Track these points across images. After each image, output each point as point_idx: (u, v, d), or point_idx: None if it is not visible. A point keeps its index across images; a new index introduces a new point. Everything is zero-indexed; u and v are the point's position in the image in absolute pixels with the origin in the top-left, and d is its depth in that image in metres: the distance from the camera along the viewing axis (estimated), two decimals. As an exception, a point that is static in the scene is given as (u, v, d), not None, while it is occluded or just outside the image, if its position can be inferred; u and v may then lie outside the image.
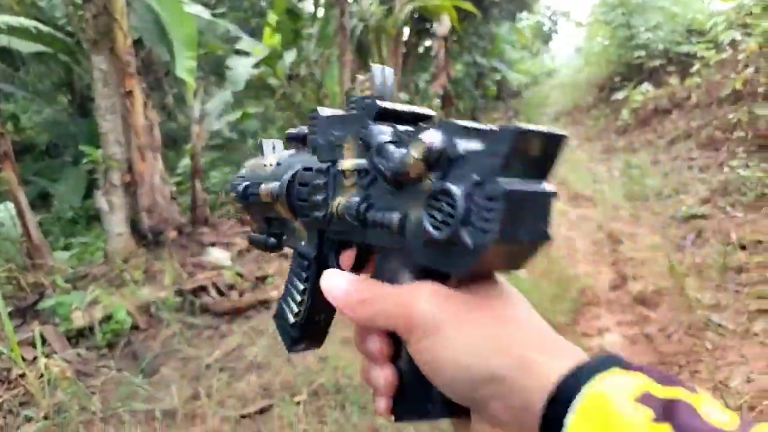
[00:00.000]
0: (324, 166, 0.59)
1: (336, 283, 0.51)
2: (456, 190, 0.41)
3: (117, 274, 4.06)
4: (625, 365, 0.34)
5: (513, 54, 12.28)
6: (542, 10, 14.79)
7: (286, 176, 0.63)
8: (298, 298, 0.65)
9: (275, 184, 0.64)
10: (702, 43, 7.25)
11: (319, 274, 0.58)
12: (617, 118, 8.25)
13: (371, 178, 0.52)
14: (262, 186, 0.67)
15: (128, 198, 4.49)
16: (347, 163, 0.55)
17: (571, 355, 0.38)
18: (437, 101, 11.51)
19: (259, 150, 0.76)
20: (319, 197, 0.58)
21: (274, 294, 3.70)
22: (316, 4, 10.55)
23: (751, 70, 6.09)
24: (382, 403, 0.50)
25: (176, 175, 7.76)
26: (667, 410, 0.29)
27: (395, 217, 0.47)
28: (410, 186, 0.46)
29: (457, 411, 0.44)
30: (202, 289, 3.82)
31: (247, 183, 0.71)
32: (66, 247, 6.64)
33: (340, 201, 0.55)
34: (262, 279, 4.07)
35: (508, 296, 0.44)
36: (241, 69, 6.40)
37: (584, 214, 4.86)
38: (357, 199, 0.52)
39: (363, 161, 0.53)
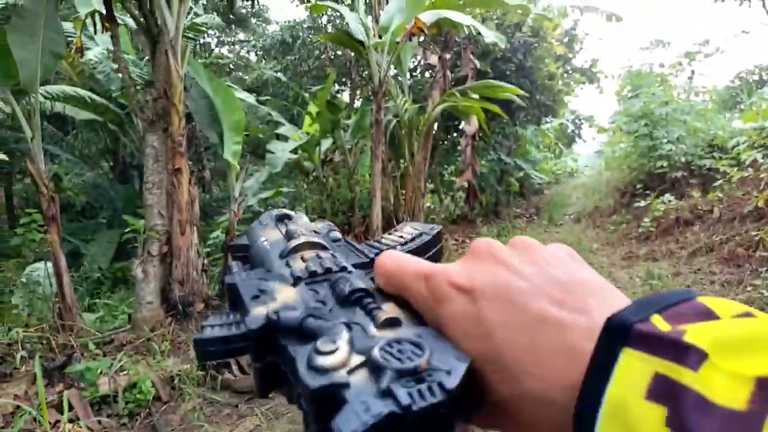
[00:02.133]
0: None
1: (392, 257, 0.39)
2: None
3: (143, 343, 4.17)
4: (633, 336, 0.27)
5: (537, 154, 12.65)
6: (567, 114, 15.32)
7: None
8: None
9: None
10: (725, 159, 7.48)
11: None
12: (639, 225, 8.37)
13: None
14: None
15: (162, 268, 4.68)
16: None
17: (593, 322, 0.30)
18: (462, 194, 11.80)
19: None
20: None
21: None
22: (353, 97, 11.09)
23: (773, 189, 6.26)
24: None
25: (207, 246, 8.01)
26: (671, 395, 0.25)
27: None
28: None
29: None
30: (225, 365, 3.90)
31: None
32: (90, 308, 6.80)
33: None
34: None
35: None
36: (281, 153, 6.75)
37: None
38: None
39: None
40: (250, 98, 7.37)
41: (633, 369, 0.26)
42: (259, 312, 0.33)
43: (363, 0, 8.78)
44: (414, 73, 11.46)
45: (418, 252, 0.45)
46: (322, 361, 0.27)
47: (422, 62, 10.82)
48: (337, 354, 0.28)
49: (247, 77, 11.99)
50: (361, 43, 7.62)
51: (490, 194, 11.51)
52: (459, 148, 10.81)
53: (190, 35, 8.00)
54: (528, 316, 0.30)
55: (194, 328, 4.44)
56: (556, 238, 9.11)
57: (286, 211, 0.52)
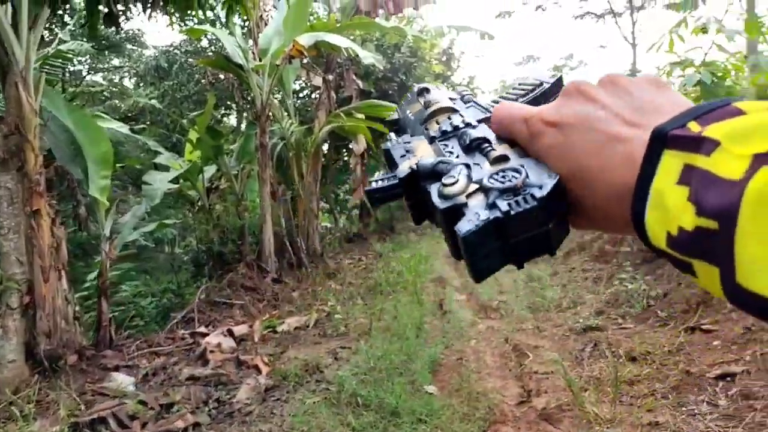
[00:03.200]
0: None
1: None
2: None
3: (4, 407, 3.74)
4: (670, 138, 0.35)
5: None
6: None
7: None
8: None
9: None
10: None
11: None
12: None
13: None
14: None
15: (25, 321, 4.24)
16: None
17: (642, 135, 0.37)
18: (355, 212, 11.82)
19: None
20: None
21: (180, 424, 3.51)
22: (239, 121, 10.84)
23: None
24: None
25: (84, 288, 7.41)
26: (691, 177, 0.33)
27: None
28: None
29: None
30: (102, 420, 3.57)
31: None
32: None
33: None
34: (168, 407, 3.86)
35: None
36: (159, 183, 6.40)
37: (492, 326, 5.03)
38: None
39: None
40: (124, 128, 6.96)
41: (670, 165, 0.34)
42: (405, 165, 0.45)
43: (240, 23, 8.62)
44: (299, 95, 11.38)
45: (538, 100, 0.51)
46: (447, 190, 0.39)
47: (307, 84, 10.78)
48: (456, 185, 0.39)
49: (122, 105, 11.35)
50: (241, 66, 7.46)
51: (384, 210, 11.62)
52: (350, 167, 10.83)
53: (57, 63, 7.45)
54: (602, 136, 0.38)
55: (66, 383, 4.04)
56: (445, 249, 9.32)
57: (425, 84, 0.58)
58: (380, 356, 4.10)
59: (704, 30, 5.14)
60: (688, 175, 0.33)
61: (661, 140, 0.35)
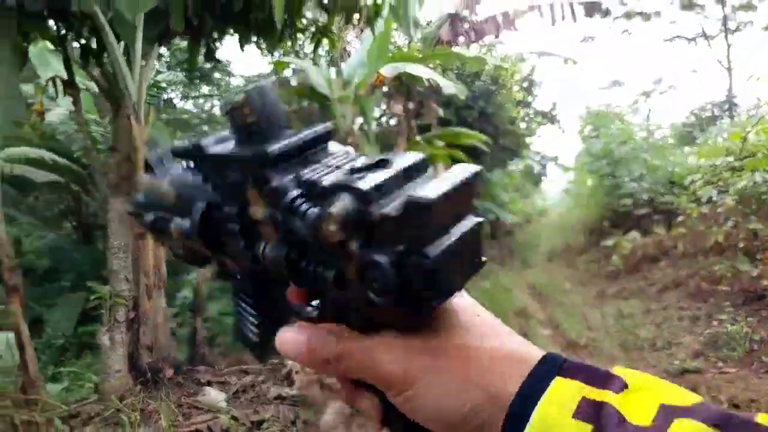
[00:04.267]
0: (233, 210, 0.52)
1: (293, 342, 0.48)
2: (384, 262, 0.40)
3: (112, 414, 4.01)
4: (565, 368, 0.36)
5: (505, 196, 12.86)
6: (531, 155, 15.69)
7: (195, 216, 0.54)
8: (253, 319, 0.60)
9: (185, 224, 0.56)
10: (684, 196, 7.71)
11: (264, 299, 0.58)
12: (608, 263, 8.52)
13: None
14: (172, 225, 0.58)
15: (129, 334, 4.54)
16: (258, 212, 0.49)
17: (521, 370, 0.39)
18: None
19: (151, 166, 0.66)
20: (239, 246, 0.52)
21: (271, 442, 3.65)
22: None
23: (730, 224, 6.45)
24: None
25: (174, 306, 7.80)
26: (596, 415, 0.33)
27: (330, 275, 0.44)
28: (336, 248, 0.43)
29: None
30: (198, 434, 3.77)
31: (153, 216, 0.61)
32: (54, 377, 6.52)
33: (265, 248, 0.49)
34: (258, 424, 4.02)
35: (459, 323, 0.44)
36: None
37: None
38: (284, 250, 0.47)
39: (274, 210, 0.48)
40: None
41: (562, 393, 0.34)
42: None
43: (325, 54, 8.97)
44: (379, 122, 11.63)
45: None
46: None
47: (387, 111, 11.02)
48: None
49: (212, 131, 11.96)
50: (325, 96, 7.75)
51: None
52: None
53: (153, 93, 8.02)
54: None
55: (165, 395, 4.28)
56: (529, 280, 9.18)
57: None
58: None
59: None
60: (591, 411, 0.33)
61: (555, 365, 0.37)
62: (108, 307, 4.53)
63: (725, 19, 15.63)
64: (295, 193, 0.46)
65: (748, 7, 15.36)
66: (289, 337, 0.49)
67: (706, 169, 7.45)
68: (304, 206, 0.45)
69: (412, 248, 0.39)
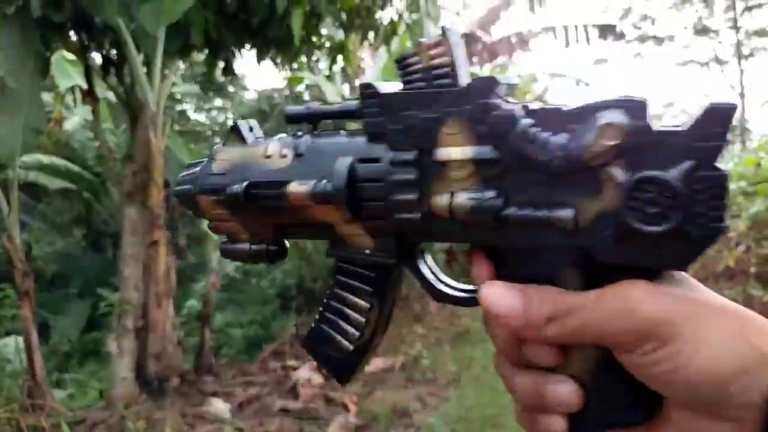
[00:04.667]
0: (408, 156, 0.49)
1: (507, 296, 0.43)
2: (672, 178, 0.38)
3: (117, 421, 4.02)
4: None
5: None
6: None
7: (341, 170, 0.51)
8: (361, 318, 0.55)
9: (321, 183, 0.52)
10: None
11: (393, 284, 0.55)
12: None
13: (502, 168, 0.45)
14: (292, 185, 0.53)
15: (137, 342, 4.57)
16: (456, 151, 0.47)
17: None
18: (441, 255, 11.81)
19: (232, 137, 0.63)
20: (410, 195, 0.49)
21: (275, 455, 3.66)
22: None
23: (742, 248, 6.42)
24: (559, 424, 0.43)
25: (181, 315, 7.84)
26: None
27: (567, 213, 0.41)
28: (574, 176, 0.42)
29: (652, 412, 0.42)
30: (203, 442, 3.78)
31: (250, 181, 0.56)
32: (59, 383, 6.55)
33: (453, 198, 0.46)
34: (263, 436, 4.02)
35: (697, 284, 0.42)
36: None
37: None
38: (492, 193, 0.45)
39: (483, 148, 0.45)
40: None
41: None
42: None
43: (340, 70, 9.06)
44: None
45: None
46: None
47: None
48: None
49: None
50: (339, 112, 7.79)
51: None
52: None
53: (167, 105, 8.12)
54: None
55: (171, 404, 4.30)
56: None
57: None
58: (471, 406, 4.09)
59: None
60: None
61: None
62: (117, 314, 4.57)
63: (738, 44, 15.66)
64: (528, 121, 0.44)
65: (762, 33, 15.40)
66: (500, 290, 0.44)
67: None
68: (545, 133, 0.42)
69: (701, 163, 0.37)
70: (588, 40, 9.35)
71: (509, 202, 0.44)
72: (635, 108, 0.40)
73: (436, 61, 0.49)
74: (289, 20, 4.33)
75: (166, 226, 9.22)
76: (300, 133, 0.57)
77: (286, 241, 0.62)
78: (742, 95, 15.51)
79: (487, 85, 0.46)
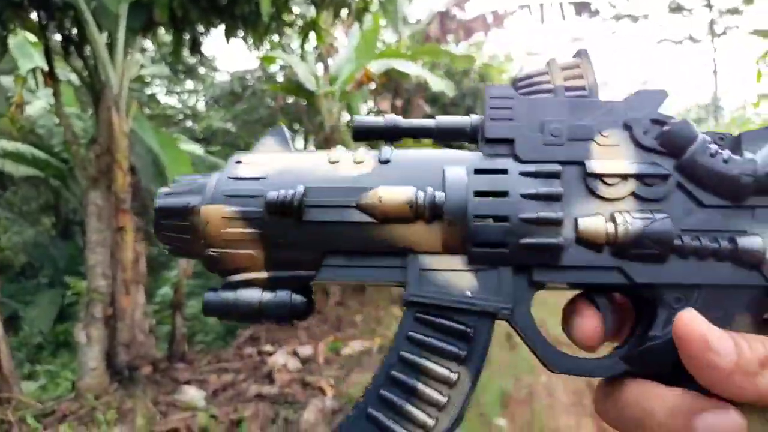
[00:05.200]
0: (552, 167, 0.41)
1: (716, 331, 0.35)
2: None
3: (88, 412, 3.91)
4: None
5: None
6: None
7: (456, 177, 0.42)
8: (440, 397, 0.41)
9: (428, 191, 0.42)
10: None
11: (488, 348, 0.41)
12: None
13: (669, 188, 0.39)
14: (384, 189, 0.42)
15: (107, 331, 4.44)
16: (610, 155, 0.41)
17: None
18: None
19: (273, 139, 0.50)
20: (553, 213, 0.40)
21: (250, 441, 3.59)
22: (306, 144, 11.12)
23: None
24: None
25: (154, 303, 7.69)
26: None
27: (755, 242, 0.37)
28: (757, 201, 0.38)
29: None
30: (175, 431, 3.69)
31: (304, 186, 0.44)
32: (30, 376, 6.40)
33: (615, 219, 0.39)
34: (237, 423, 3.95)
35: None
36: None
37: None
38: (663, 215, 0.38)
39: (650, 166, 0.40)
40: (199, 150, 7.27)
41: None
42: None
43: (312, 50, 8.89)
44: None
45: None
46: None
47: (375, 108, 10.96)
48: None
49: (196, 127, 11.86)
50: (312, 92, 7.68)
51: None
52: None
53: (136, 88, 7.90)
54: None
55: (142, 392, 4.20)
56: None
57: None
58: (447, 385, 4.06)
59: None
60: None
61: None
62: (85, 303, 4.43)
63: (712, 23, 15.80)
64: (706, 137, 0.40)
65: (734, 11, 15.53)
66: (708, 330, 0.35)
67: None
68: (728, 150, 0.39)
69: None
70: (563, 16, 9.29)
71: (675, 229, 0.38)
72: None
73: (573, 83, 0.43)
74: (258, -5, 4.19)
75: (136, 212, 9.07)
76: (388, 148, 0.48)
77: (313, 294, 0.47)
78: (715, 72, 15.72)
79: (657, 95, 0.41)
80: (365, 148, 0.48)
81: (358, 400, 0.44)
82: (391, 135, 0.48)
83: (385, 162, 0.45)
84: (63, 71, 5.61)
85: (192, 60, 13.69)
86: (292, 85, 8.05)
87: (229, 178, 0.46)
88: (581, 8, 9.33)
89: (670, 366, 0.37)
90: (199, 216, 0.45)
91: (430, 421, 0.40)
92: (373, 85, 8.46)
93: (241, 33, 5.42)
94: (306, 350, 5.41)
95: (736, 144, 0.39)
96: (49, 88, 4.85)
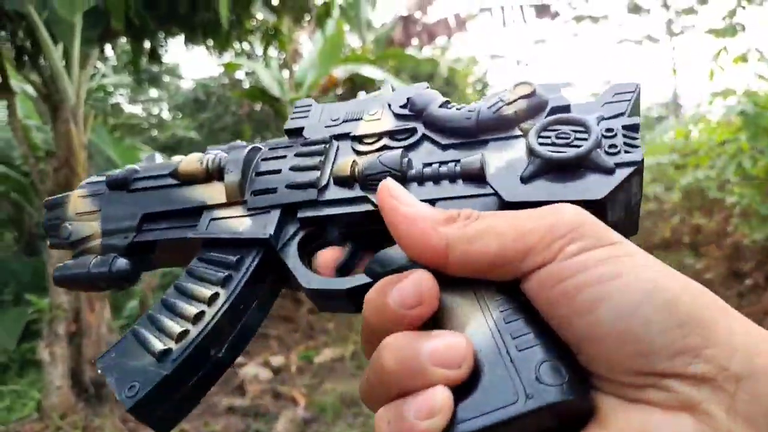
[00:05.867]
0: (322, 136, 0.52)
1: (409, 198, 0.40)
2: (581, 118, 0.41)
3: (52, 433, 3.82)
4: None
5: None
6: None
7: (240, 151, 0.53)
8: (193, 309, 0.46)
9: (214, 153, 0.54)
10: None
11: (261, 279, 0.49)
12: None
13: (414, 139, 0.48)
14: (185, 158, 0.56)
15: (71, 348, 4.34)
16: (373, 124, 0.51)
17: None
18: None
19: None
20: (311, 162, 0.50)
21: (221, 455, 3.54)
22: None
23: (676, 219, 6.64)
24: (442, 395, 0.32)
25: (123, 317, 7.53)
26: None
27: (475, 159, 0.44)
28: (483, 137, 0.45)
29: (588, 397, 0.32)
30: (144, 450, 3.62)
31: (134, 167, 0.60)
32: (-6, 396, 6.21)
33: (355, 160, 0.48)
34: (209, 436, 3.89)
35: None
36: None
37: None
38: (397, 151, 0.47)
39: (400, 123, 0.49)
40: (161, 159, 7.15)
41: None
42: None
43: (276, 56, 8.85)
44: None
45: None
46: None
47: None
48: None
49: (161, 136, 11.69)
50: (277, 98, 7.63)
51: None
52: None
53: (99, 96, 7.75)
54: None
55: (109, 410, 4.11)
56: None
57: None
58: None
59: (745, 59, 5.08)
60: None
61: None
62: (48, 321, 4.32)
63: (669, 22, 16.15)
64: (440, 99, 0.51)
65: (690, 11, 15.93)
66: (399, 188, 0.41)
67: (653, 167, 7.67)
68: (457, 105, 0.50)
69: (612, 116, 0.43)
70: (524, 19, 9.42)
71: (417, 165, 0.47)
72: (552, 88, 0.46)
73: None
74: (216, 3, 4.14)
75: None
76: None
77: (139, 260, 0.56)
78: (674, 71, 16.07)
79: (412, 90, 0.52)
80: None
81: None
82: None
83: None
84: (19, 83, 5.47)
85: (155, 68, 13.52)
86: (258, 92, 7.99)
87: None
88: (542, 11, 9.48)
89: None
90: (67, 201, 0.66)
91: (178, 328, 0.45)
92: (339, 91, 8.45)
93: (201, 40, 5.37)
94: (278, 360, 5.36)
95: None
96: (3, 100, 4.73)
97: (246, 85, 11.76)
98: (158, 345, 0.45)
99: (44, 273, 8.07)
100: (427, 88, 0.52)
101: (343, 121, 0.53)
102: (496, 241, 0.34)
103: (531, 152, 0.41)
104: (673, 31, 16.51)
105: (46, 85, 4.51)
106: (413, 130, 0.49)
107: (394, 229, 0.38)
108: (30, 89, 5.37)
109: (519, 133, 0.44)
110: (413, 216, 0.38)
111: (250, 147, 0.54)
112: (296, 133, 0.55)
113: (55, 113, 4.50)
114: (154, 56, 5.28)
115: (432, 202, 0.43)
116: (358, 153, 0.50)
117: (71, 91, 4.37)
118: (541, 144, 0.41)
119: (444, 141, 0.47)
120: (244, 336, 0.48)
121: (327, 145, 0.51)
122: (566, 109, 0.44)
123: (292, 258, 0.48)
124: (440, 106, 0.48)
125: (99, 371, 0.47)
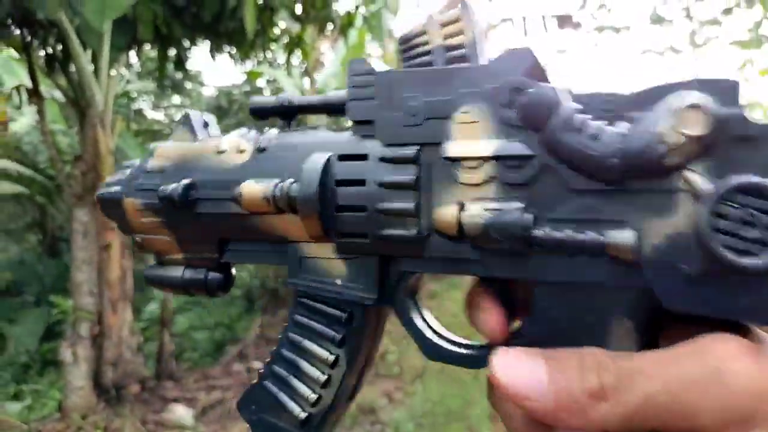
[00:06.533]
0: (406, 151, 0.38)
1: (525, 369, 0.30)
2: None
3: (73, 433, 3.87)
4: None
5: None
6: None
7: (312, 167, 0.40)
8: (320, 375, 0.43)
9: (285, 183, 0.42)
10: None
11: (371, 332, 0.44)
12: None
13: (534, 171, 0.33)
14: (246, 184, 0.44)
15: (93, 350, 4.40)
16: (472, 146, 0.35)
17: None
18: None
19: (182, 127, 0.52)
20: (404, 204, 0.37)
21: (239, 460, 3.56)
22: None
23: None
24: None
25: (142, 320, 7.63)
26: None
27: (626, 236, 0.30)
28: (636, 182, 0.30)
29: None
30: (163, 451, 3.66)
31: (188, 181, 0.47)
32: (16, 395, 6.30)
33: (464, 209, 0.35)
34: (226, 440, 3.92)
35: None
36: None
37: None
38: (518, 204, 0.33)
39: (512, 144, 0.34)
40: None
41: None
42: None
43: (298, 64, 8.92)
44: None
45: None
46: None
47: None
48: None
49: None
50: (299, 106, 7.68)
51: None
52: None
53: (124, 102, 7.89)
54: None
55: (130, 412, 4.16)
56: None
57: None
58: (436, 400, 4.07)
59: (770, 71, 5.04)
60: None
61: None
62: (71, 322, 4.39)
63: (693, 33, 16.00)
64: (574, 105, 0.32)
65: (714, 22, 15.78)
66: (516, 360, 0.31)
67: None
68: (596, 122, 0.31)
69: None
70: (546, 29, 9.41)
71: (541, 219, 0.33)
72: (724, 89, 0.28)
73: (452, 41, 0.38)
74: (241, 13, 4.21)
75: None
76: (274, 130, 0.49)
77: (233, 269, 0.52)
78: (697, 83, 15.79)
79: (521, 58, 0.34)
80: (255, 131, 0.51)
81: (258, 372, 0.48)
82: (286, 112, 0.50)
83: (262, 151, 0.47)
84: (48, 89, 5.59)
85: (179, 75, 13.72)
86: (279, 100, 8.06)
87: (140, 172, 0.52)
88: (563, 21, 9.45)
89: None
90: (122, 207, 0.52)
91: (313, 396, 0.44)
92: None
93: (226, 49, 5.45)
94: (295, 365, 5.39)
95: (612, 108, 0.32)
96: (31, 104, 4.85)
97: (267, 92, 11.88)
98: (297, 410, 0.44)
99: (67, 275, 8.21)
100: (537, 63, 0.35)
101: (425, 118, 0.37)
102: (658, 421, 0.28)
103: (700, 243, 0.28)
104: (697, 42, 16.33)
105: (74, 91, 4.61)
106: (529, 160, 0.33)
107: (531, 414, 0.31)
108: (58, 94, 5.50)
109: (681, 185, 0.29)
110: (550, 403, 0.29)
111: (322, 163, 0.41)
112: (362, 124, 0.42)
113: (83, 118, 4.59)
114: (180, 64, 5.37)
115: (560, 285, 0.32)
116: (461, 184, 0.36)
117: (99, 96, 4.46)
118: (718, 230, 0.27)
119: (574, 182, 0.32)
120: (362, 379, 0.48)
121: (418, 164, 0.38)
122: (743, 134, 0.28)
123: (403, 312, 0.42)
124: (570, 126, 0.32)
125: (247, 422, 0.47)
